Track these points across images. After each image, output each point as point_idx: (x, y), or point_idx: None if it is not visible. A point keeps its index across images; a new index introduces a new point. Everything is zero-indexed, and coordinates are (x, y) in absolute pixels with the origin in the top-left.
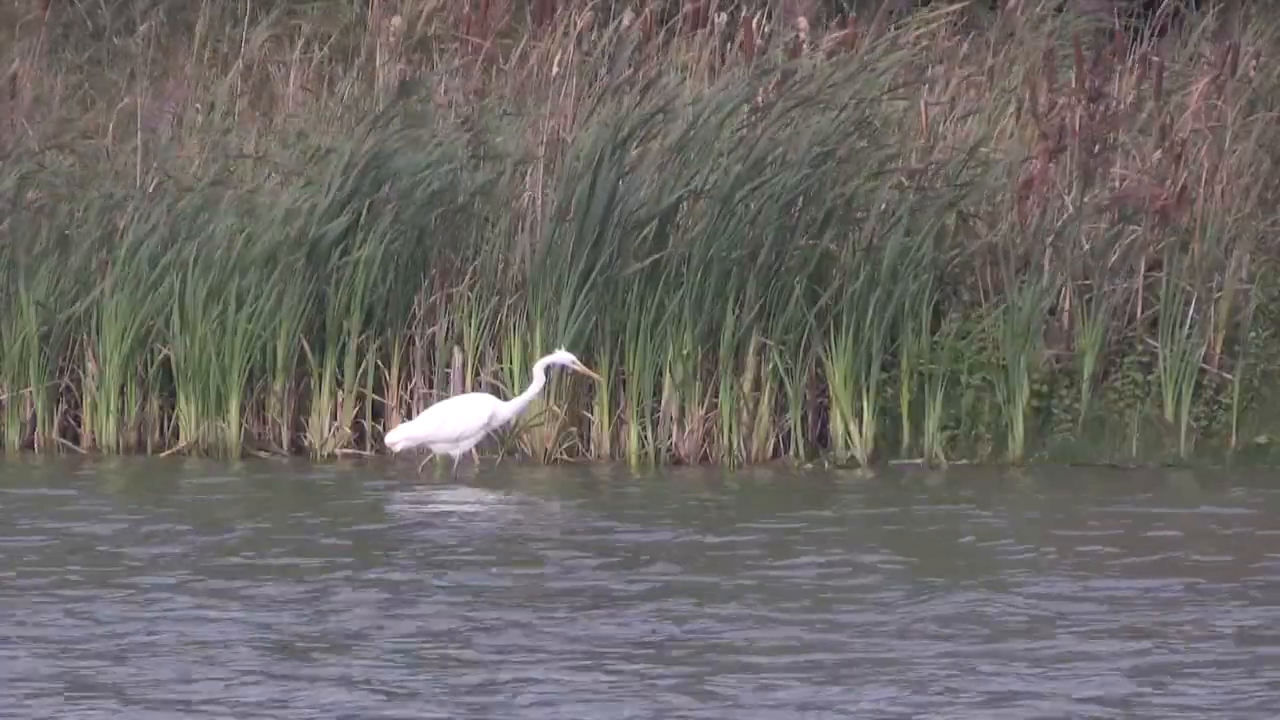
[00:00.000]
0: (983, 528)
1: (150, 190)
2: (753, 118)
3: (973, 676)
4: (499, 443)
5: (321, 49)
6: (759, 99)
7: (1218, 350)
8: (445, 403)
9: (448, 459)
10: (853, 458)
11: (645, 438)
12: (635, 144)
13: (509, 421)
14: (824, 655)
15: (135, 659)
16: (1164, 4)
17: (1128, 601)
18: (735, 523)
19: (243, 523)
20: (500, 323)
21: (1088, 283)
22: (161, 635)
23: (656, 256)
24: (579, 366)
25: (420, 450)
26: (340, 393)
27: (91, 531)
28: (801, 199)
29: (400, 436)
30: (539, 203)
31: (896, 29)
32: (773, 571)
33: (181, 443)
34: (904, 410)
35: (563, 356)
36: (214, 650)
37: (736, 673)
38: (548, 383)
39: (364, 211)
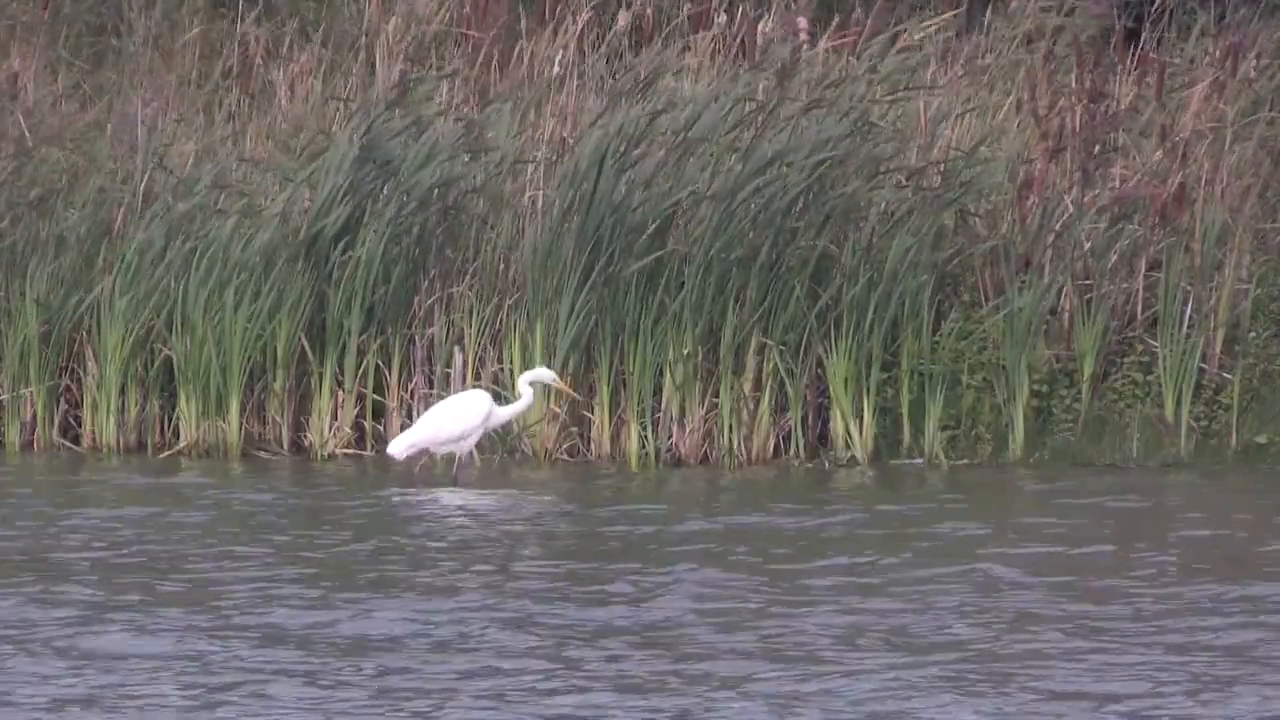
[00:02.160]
0: (982, 527)
1: (148, 189)
2: (754, 118)
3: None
4: (499, 443)
5: (321, 47)
6: (760, 99)
7: (1218, 350)
8: (442, 404)
9: (451, 458)
10: (853, 457)
11: (645, 438)
12: (636, 145)
13: (504, 424)
14: (847, 648)
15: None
16: (1165, 4)
17: (1127, 601)
18: (740, 520)
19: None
20: (500, 323)
21: (1088, 283)
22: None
23: (657, 255)
24: (560, 384)
25: (422, 454)
26: (340, 393)
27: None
28: (802, 200)
29: (403, 444)
30: (539, 203)
31: (896, 32)
32: (790, 568)
33: (181, 443)
34: (904, 410)
35: (544, 374)
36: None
37: (776, 663)
38: (535, 396)
39: (364, 209)
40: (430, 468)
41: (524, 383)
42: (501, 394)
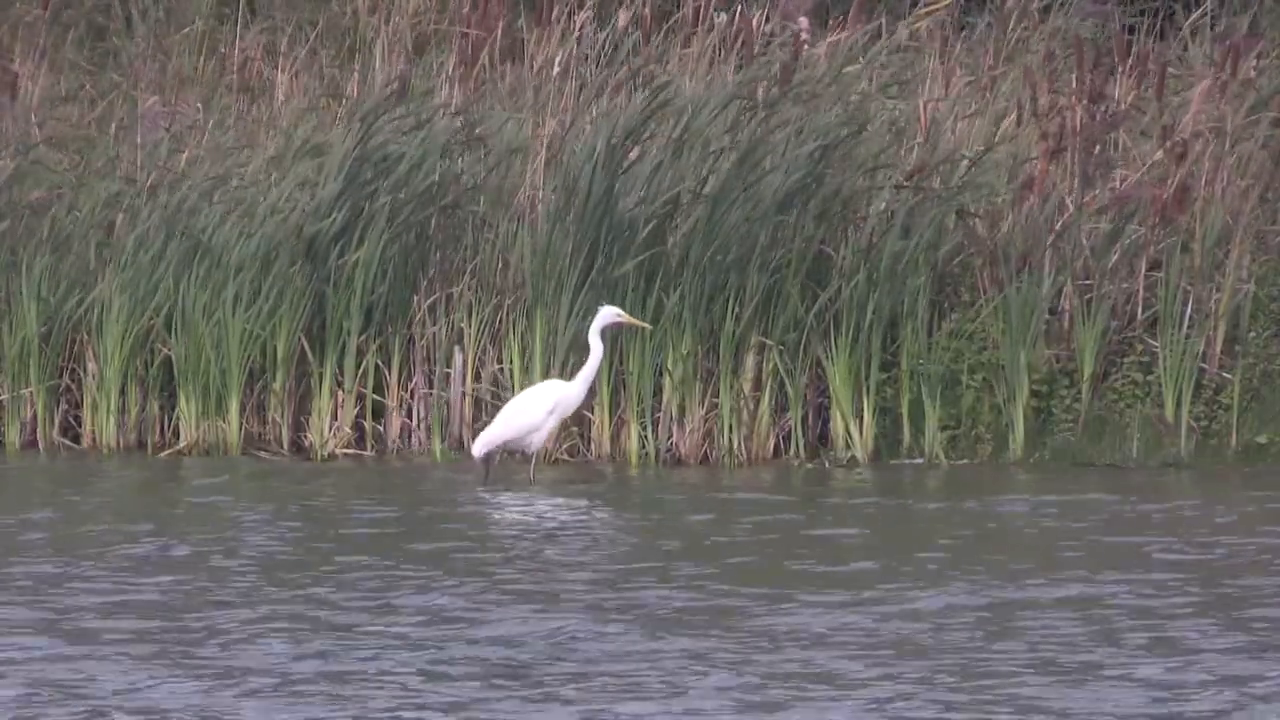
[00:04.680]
0: (982, 527)
1: (148, 187)
2: (750, 115)
3: (988, 681)
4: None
5: (321, 47)
6: (759, 96)
7: (1218, 350)
8: (512, 400)
9: (527, 454)
10: (853, 457)
11: (645, 438)
12: (632, 142)
13: (580, 398)
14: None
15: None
16: (1164, 4)
17: (1126, 601)
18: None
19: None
20: (500, 323)
21: (1088, 283)
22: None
23: (651, 253)
24: (626, 318)
25: (502, 451)
26: (340, 393)
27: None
28: (799, 197)
29: (481, 443)
30: (539, 202)
31: (890, 30)
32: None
33: (182, 443)
34: (904, 410)
35: (608, 314)
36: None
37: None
38: (606, 347)
39: (363, 208)
40: (432, 466)
41: (594, 335)
42: (502, 395)
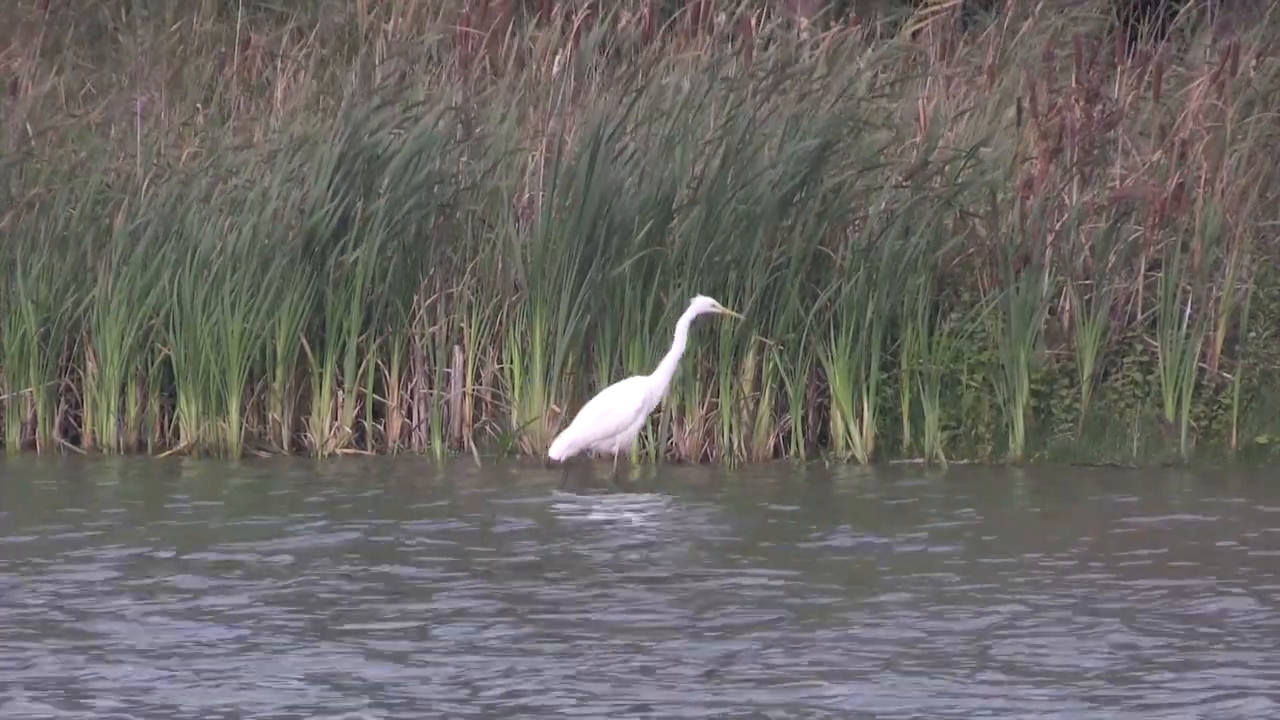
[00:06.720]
0: (982, 527)
1: (145, 185)
2: (743, 109)
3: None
4: (499, 442)
5: (319, 46)
6: (753, 88)
7: (1218, 350)
8: (596, 399)
9: (611, 455)
10: (853, 457)
11: (645, 437)
12: (628, 139)
13: (664, 391)
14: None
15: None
16: (1163, 3)
17: (1126, 603)
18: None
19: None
20: (500, 322)
21: (1088, 283)
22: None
23: (649, 253)
24: (720, 309)
25: (583, 454)
26: (340, 392)
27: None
28: (798, 195)
29: (563, 444)
30: (538, 202)
31: (887, 26)
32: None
33: (182, 443)
34: (904, 410)
35: (702, 303)
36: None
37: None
38: (690, 342)
39: (358, 206)
40: (432, 466)
41: (682, 326)
42: (502, 395)
